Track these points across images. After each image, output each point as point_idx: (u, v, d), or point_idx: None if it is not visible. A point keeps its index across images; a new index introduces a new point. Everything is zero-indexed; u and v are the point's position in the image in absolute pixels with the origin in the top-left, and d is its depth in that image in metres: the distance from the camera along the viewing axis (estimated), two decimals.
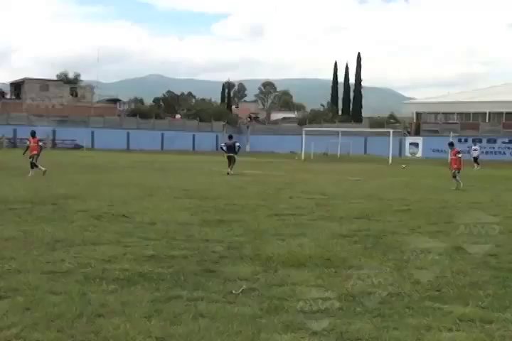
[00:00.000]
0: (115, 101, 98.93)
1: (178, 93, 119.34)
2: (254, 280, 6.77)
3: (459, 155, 22.19)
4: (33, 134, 25.08)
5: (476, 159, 41.43)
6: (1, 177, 22.33)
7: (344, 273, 7.21)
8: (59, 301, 5.81)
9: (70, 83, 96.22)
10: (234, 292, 6.23)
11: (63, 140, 69.97)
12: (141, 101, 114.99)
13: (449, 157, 23.27)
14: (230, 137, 29.14)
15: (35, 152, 24.22)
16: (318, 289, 6.45)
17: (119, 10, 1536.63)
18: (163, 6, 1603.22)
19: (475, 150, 42.66)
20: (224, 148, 28.65)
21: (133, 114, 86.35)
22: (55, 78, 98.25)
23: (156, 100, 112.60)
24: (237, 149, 28.15)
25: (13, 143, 66.44)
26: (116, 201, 14.69)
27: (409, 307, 5.89)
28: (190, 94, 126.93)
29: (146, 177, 23.83)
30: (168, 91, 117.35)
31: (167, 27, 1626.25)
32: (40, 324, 5.16)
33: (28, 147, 24.90)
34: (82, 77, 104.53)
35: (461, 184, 21.21)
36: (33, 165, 23.79)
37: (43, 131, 66.86)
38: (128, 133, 75.40)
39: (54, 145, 68.51)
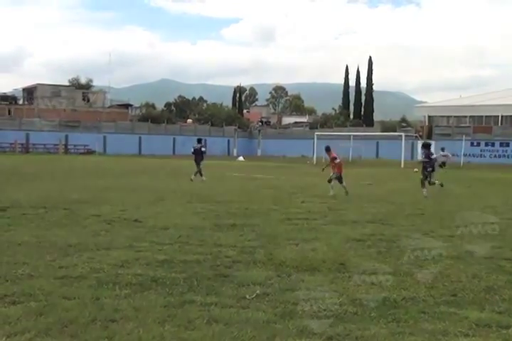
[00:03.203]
0: (127, 106, 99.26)
1: (190, 98, 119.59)
2: (267, 285, 6.73)
3: (336, 161, 19.97)
4: None
5: (443, 164, 40.03)
6: (13, 182, 22.41)
7: (358, 278, 7.15)
8: (72, 306, 5.80)
9: (82, 88, 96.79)
10: (248, 297, 6.19)
11: (75, 145, 70.23)
12: (152, 106, 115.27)
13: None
14: (199, 141, 27.73)
15: None
16: (332, 294, 6.40)
17: (131, 15, 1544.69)
18: (175, 11, 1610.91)
19: (444, 156, 41.38)
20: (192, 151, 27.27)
21: (145, 118, 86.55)
22: (67, 83, 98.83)
23: (168, 105, 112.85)
24: (203, 154, 26.77)
25: (25, 149, 66.85)
26: (129, 206, 14.69)
27: (424, 312, 5.84)
28: (201, 98, 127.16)
29: (158, 182, 23.84)
30: (180, 96, 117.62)
31: (178, 32, 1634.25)
32: (53, 329, 5.15)
33: None
34: (94, 83, 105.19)
35: (333, 191, 19.09)
36: None
37: (56, 136, 67.50)
38: (140, 138, 75.61)
39: (66, 151, 68.83)
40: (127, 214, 13.07)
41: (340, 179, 19.76)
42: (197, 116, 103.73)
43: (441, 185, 20.31)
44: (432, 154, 20.47)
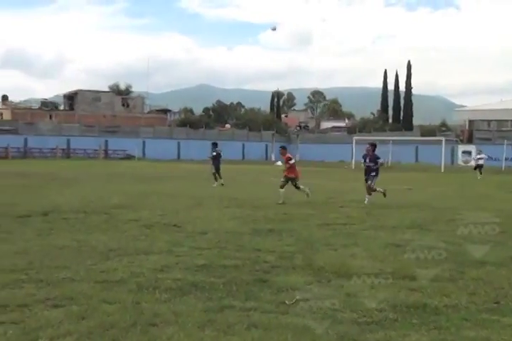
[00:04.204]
0: (165, 111, 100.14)
1: (227, 103, 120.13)
2: (307, 291, 6.70)
3: (291, 162, 18.23)
4: None
5: (480, 167, 39.28)
6: (54, 187, 22.73)
7: (398, 284, 7.07)
8: (113, 310, 5.85)
9: (121, 94, 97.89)
10: (287, 302, 6.17)
11: (115, 150, 71.00)
12: (190, 111, 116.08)
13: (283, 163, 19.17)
14: (217, 145, 26.92)
15: None
16: (372, 300, 6.33)
17: (168, 21, 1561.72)
18: (212, 16, 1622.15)
19: (480, 158, 40.52)
20: (212, 156, 26.57)
21: (183, 124, 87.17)
22: (106, 89, 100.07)
23: (206, 110, 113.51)
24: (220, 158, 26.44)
25: (66, 154, 67.81)
26: (167, 211, 14.78)
27: (466, 319, 5.74)
28: (239, 103, 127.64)
29: (196, 187, 23.95)
30: (218, 101, 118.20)
31: (215, 37, 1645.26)
32: (94, 333, 5.20)
33: None
34: (133, 88, 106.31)
35: (282, 199, 17.45)
36: None
37: (96, 141, 68.39)
38: (178, 143, 76.10)
39: (106, 156, 69.63)
40: (166, 219, 13.17)
41: (296, 182, 18.18)
42: (235, 121, 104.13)
43: (384, 195, 17.92)
44: (379, 158, 17.94)
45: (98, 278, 7.19)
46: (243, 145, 79.56)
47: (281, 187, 17.95)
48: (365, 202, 17.32)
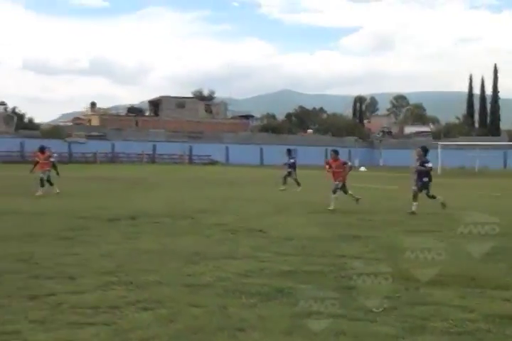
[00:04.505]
0: (247, 117, 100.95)
1: (308, 108, 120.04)
2: (395, 299, 6.56)
3: (350, 164, 18.76)
4: (42, 149, 22.54)
5: None
6: (140, 191, 23.24)
7: (490, 294, 6.84)
8: (200, 314, 5.89)
9: (204, 100, 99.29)
10: (375, 310, 6.06)
11: (199, 155, 72.06)
12: (273, 116, 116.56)
13: (331, 168, 18.07)
14: (290, 151, 27.62)
15: (47, 168, 22.08)
16: (463, 309, 6.15)
17: (249, 27, 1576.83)
18: (292, 22, 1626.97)
19: None
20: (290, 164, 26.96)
21: (265, 129, 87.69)
22: (190, 95, 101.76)
23: (288, 115, 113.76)
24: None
25: (152, 159, 69.32)
26: (251, 215, 14.86)
27: None
28: (321, 109, 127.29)
29: (279, 192, 23.98)
30: (300, 107, 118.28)
31: (296, 42, 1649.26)
32: (182, 336, 5.24)
33: (36, 163, 22.40)
34: (216, 94, 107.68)
35: (333, 205, 17.00)
36: (43, 183, 21.62)
37: (180, 146, 69.63)
38: (261, 149, 76.47)
39: (191, 161, 70.76)
40: (250, 223, 13.22)
41: (344, 188, 17.87)
42: (317, 126, 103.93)
43: (443, 206, 16.78)
44: (427, 162, 16.83)
45: (185, 282, 7.28)
46: (326, 150, 79.14)
47: (346, 192, 17.92)
48: (413, 209, 16.30)
